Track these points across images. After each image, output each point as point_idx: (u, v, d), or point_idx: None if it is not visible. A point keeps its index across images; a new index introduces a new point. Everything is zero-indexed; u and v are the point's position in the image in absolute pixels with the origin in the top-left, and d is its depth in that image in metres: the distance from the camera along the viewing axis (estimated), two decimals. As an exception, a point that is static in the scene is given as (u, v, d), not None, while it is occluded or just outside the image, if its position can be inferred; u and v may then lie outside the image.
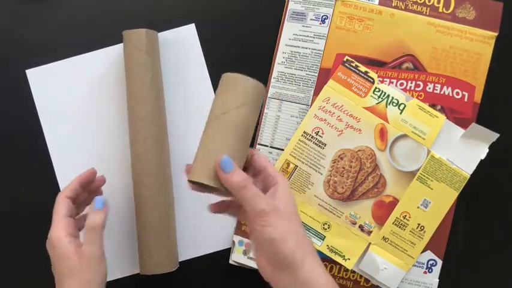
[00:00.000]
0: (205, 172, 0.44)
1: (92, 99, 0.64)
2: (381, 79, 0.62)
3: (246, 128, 0.46)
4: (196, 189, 0.47)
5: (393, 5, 0.62)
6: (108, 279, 0.63)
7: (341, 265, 0.61)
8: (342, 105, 0.61)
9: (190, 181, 0.46)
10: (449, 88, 0.62)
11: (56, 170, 0.63)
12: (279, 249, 0.42)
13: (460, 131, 0.61)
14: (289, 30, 0.63)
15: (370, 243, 0.61)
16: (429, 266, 0.62)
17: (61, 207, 0.49)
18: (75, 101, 0.64)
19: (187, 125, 0.64)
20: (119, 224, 0.63)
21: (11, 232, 0.64)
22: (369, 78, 0.62)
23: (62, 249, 0.46)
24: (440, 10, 0.62)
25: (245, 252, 0.62)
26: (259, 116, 0.63)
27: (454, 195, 0.61)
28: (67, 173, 0.63)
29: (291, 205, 0.45)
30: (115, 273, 0.63)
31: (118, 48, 0.64)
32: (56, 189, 0.63)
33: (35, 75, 0.64)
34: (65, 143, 0.64)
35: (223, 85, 0.47)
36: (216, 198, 0.50)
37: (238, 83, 0.47)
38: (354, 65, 0.62)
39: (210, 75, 0.64)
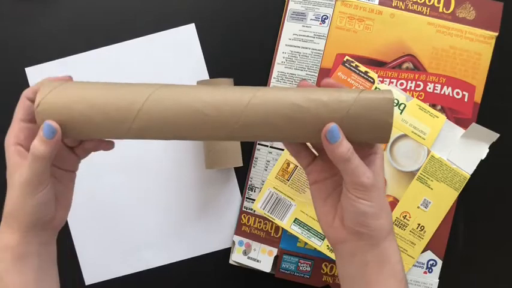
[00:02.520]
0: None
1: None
2: (381, 79, 0.62)
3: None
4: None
5: (393, 5, 0.62)
6: (110, 278, 0.63)
7: (341, 265, 0.61)
8: (342, 105, 0.61)
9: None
10: (450, 88, 0.62)
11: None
12: (367, 223, 0.41)
13: (460, 131, 0.61)
14: (289, 30, 0.63)
15: (370, 243, 0.61)
16: (429, 266, 0.62)
17: (19, 109, 0.43)
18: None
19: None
20: (119, 222, 0.63)
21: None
22: (369, 78, 0.62)
23: (8, 158, 0.42)
24: (440, 10, 0.62)
25: (245, 252, 0.62)
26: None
27: (454, 195, 0.61)
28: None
29: (383, 178, 0.43)
30: (118, 271, 0.63)
31: (117, 47, 0.64)
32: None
33: (34, 74, 0.64)
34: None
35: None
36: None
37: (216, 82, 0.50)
38: (354, 65, 0.62)
39: (209, 75, 0.64)
